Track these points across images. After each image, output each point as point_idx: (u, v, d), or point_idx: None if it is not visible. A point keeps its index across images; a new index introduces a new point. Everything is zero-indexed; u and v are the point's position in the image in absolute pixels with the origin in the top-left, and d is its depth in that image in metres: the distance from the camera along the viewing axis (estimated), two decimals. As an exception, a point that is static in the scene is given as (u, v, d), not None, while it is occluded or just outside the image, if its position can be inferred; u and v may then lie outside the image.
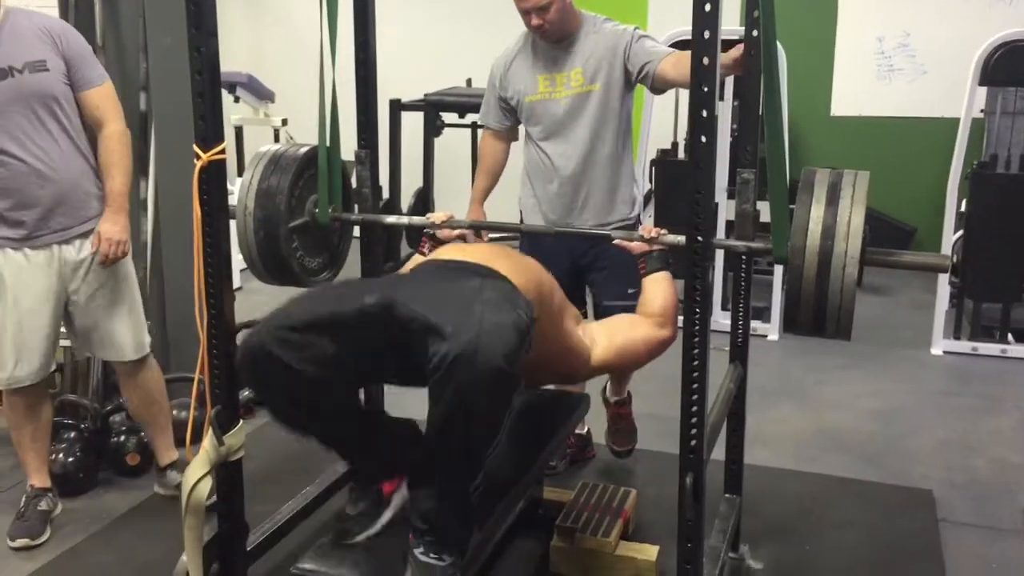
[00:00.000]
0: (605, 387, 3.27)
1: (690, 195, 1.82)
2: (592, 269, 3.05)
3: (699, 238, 1.84)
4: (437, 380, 1.74)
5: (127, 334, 2.95)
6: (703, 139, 1.78)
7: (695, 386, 1.89)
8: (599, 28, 2.91)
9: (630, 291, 2.66)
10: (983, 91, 4.65)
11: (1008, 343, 4.69)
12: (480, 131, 3.35)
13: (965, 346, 4.70)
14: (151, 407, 3.10)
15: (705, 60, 1.75)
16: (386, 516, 2.09)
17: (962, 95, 4.53)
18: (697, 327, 1.86)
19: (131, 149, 2.91)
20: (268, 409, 2.03)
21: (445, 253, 2.31)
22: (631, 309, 2.51)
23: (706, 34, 1.74)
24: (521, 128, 3.10)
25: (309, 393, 1.91)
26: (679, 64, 2.74)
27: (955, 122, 4.59)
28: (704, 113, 1.77)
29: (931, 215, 5.76)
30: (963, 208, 4.82)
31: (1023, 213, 4.54)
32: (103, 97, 2.82)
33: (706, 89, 1.76)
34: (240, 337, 2.09)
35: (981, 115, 5.05)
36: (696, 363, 1.88)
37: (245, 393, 2.44)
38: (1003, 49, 4.35)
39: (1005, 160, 4.68)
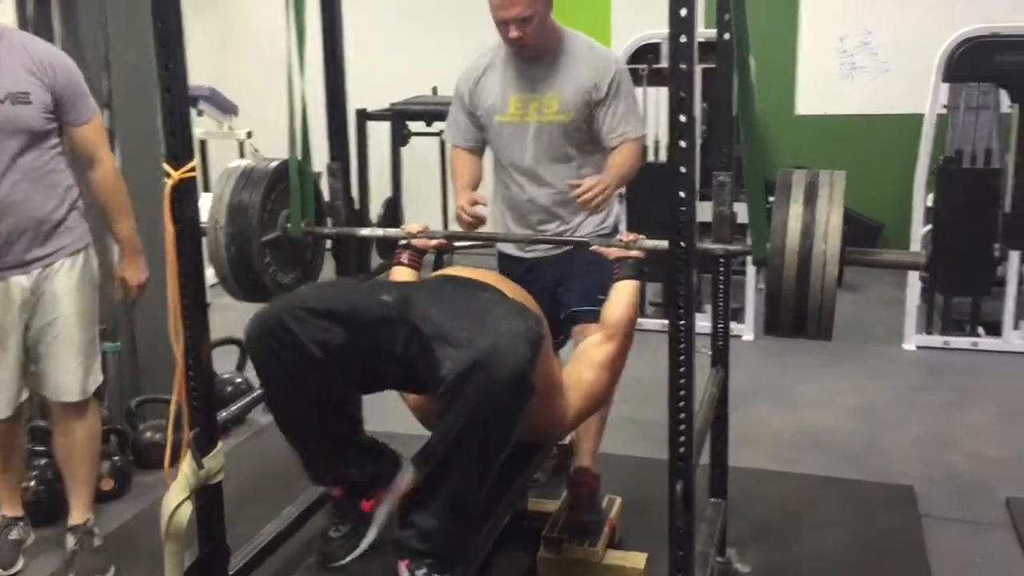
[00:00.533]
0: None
1: (672, 200, 1.80)
2: (563, 281, 2.87)
3: (682, 243, 1.82)
4: (452, 387, 1.76)
5: (72, 374, 2.75)
6: (683, 144, 1.77)
7: (682, 392, 1.87)
8: (582, 55, 2.67)
9: (600, 297, 2.54)
10: (946, 87, 4.69)
11: (979, 336, 4.74)
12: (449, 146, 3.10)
13: (937, 340, 4.75)
14: (81, 457, 2.84)
15: (683, 65, 1.74)
16: (371, 535, 2.05)
17: (924, 92, 4.58)
18: (682, 333, 1.84)
19: (124, 184, 2.86)
20: (265, 391, 2.06)
21: (452, 270, 2.32)
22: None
23: (682, 38, 1.73)
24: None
25: (310, 378, 1.92)
26: (621, 158, 2.69)
27: (918, 118, 4.64)
28: (683, 118, 1.75)
29: (897, 211, 5.81)
30: (930, 203, 4.86)
31: (990, 207, 4.58)
32: (92, 132, 2.74)
33: (684, 94, 1.75)
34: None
35: (944, 111, 5.11)
36: (682, 369, 1.86)
37: (223, 415, 2.40)
38: (966, 45, 4.40)
39: (971, 155, 4.73)
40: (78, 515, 2.87)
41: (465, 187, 2.81)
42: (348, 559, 2.02)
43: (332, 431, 2.03)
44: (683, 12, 1.72)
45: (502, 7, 2.55)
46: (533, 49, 2.64)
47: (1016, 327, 4.67)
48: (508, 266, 2.90)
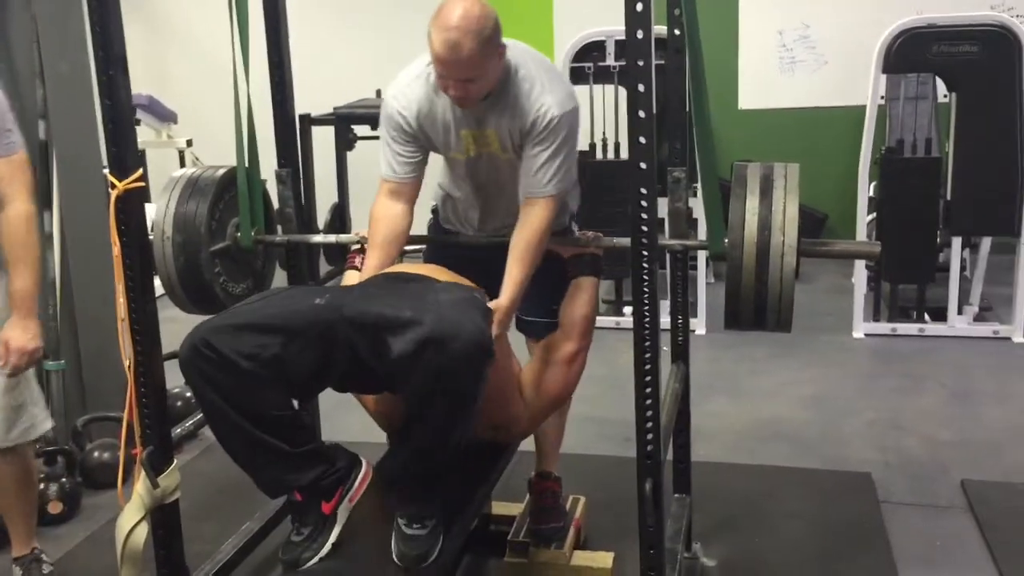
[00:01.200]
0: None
1: (633, 197, 1.79)
2: None
3: (644, 240, 1.81)
4: (407, 367, 1.78)
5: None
6: (642, 140, 1.75)
7: (648, 390, 1.86)
8: (519, 100, 2.23)
9: (554, 307, 2.49)
10: (885, 78, 4.77)
11: (925, 322, 4.83)
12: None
13: (885, 328, 4.82)
14: (14, 496, 2.68)
15: (640, 61, 1.72)
16: (334, 534, 2.06)
17: (863, 83, 4.65)
18: (647, 331, 1.83)
19: (39, 235, 2.58)
20: (204, 412, 2.01)
21: (388, 269, 2.28)
22: (554, 326, 2.47)
23: (639, 34, 1.72)
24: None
25: (244, 393, 1.91)
26: (517, 252, 2.23)
27: (857, 110, 4.73)
28: (642, 114, 1.74)
29: (841, 201, 5.90)
30: (872, 193, 4.94)
31: (931, 195, 4.67)
32: (11, 169, 2.43)
33: (643, 89, 1.73)
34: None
35: (882, 102, 5.19)
36: (648, 367, 1.85)
37: (177, 431, 2.32)
38: (904, 36, 4.47)
39: (911, 144, 4.81)
40: (19, 547, 2.75)
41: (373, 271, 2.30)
42: (314, 560, 2.01)
43: (277, 445, 1.98)
44: (639, 7, 1.71)
45: (443, 63, 2.10)
46: (473, 104, 2.22)
47: (960, 312, 4.76)
48: (452, 248, 2.58)
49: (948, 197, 4.68)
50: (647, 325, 1.83)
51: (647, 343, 1.83)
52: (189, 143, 6.02)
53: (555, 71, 2.35)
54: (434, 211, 2.66)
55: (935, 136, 4.92)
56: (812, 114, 6.43)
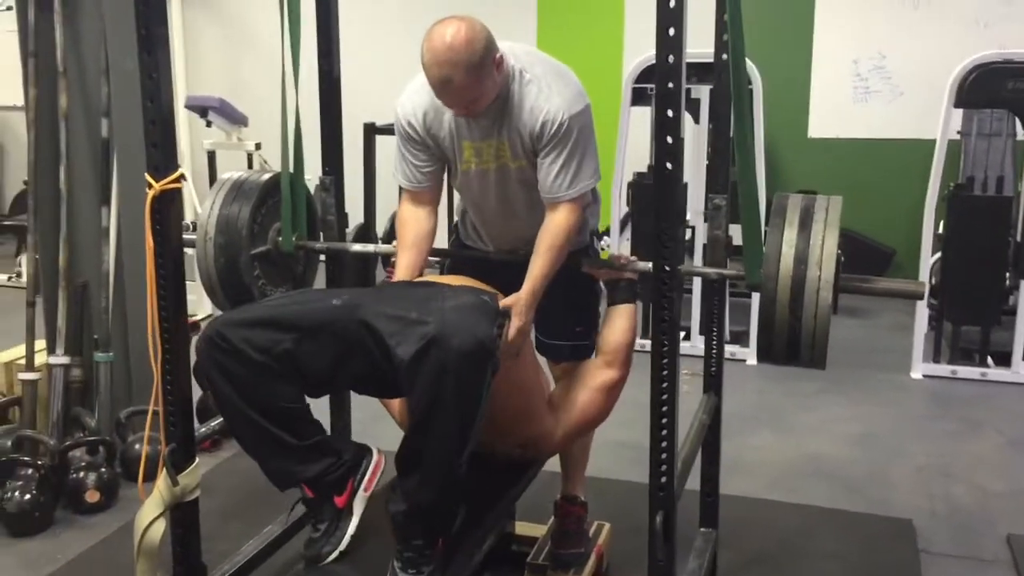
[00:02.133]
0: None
1: (657, 222, 1.76)
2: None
3: (666, 267, 1.77)
4: (410, 368, 1.81)
5: None
6: (668, 166, 1.72)
7: (664, 420, 1.83)
8: (527, 104, 2.22)
9: (578, 329, 2.50)
10: (959, 113, 4.63)
11: (988, 366, 4.66)
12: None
13: (945, 369, 4.66)
14: None
15: (670, 84, 1.70)
16: (352, 526, 2.10)
17: (938, 117, 4.51)
18: (665, 360, 1.80)
19: None
20: (216, 402, 2.07)
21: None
22: (580, 349, 2.44)
23: (670, 59, 1.69)
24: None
25: (257, 384, 1.97)
26: (543, 248, 2.24)
27: (932, 143, 4.57)
28: (669, 139, 1.71)
29: (910, 237, 5.73)
30: (940, 230, 4.79)
31: (1000, 235, 4.51)
32: None
33: (671, 114, 1.70)
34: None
35: (958, 136, 5.04)
36: (664, 396, 1.82)
37: (202, 431, 2.35)
38: (978, 71, 4.33)
39: (982, 182, 4.67)
40: None
41: (407, 271, 2.34)
42: (334, 555, 2.07)
43: (283, 437, 2.04)
44: (671, 31, 1.68)
45: (439, 93, 2.14)
46: (479, 112, 2.22)
47: (1026, 358, 4.57)
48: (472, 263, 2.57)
49: (1019, 238, 4.52)
50: (666, 353, 1.80)
51: (664, 371, 1.80)
52: (258, 146, 6.11)
53: (563, 71, 2.29)
54: (455, 229, 2.67)
55: (1009, 174, 4.76)
56: (885, 146, 6.27)
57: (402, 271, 2.32)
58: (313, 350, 1.98)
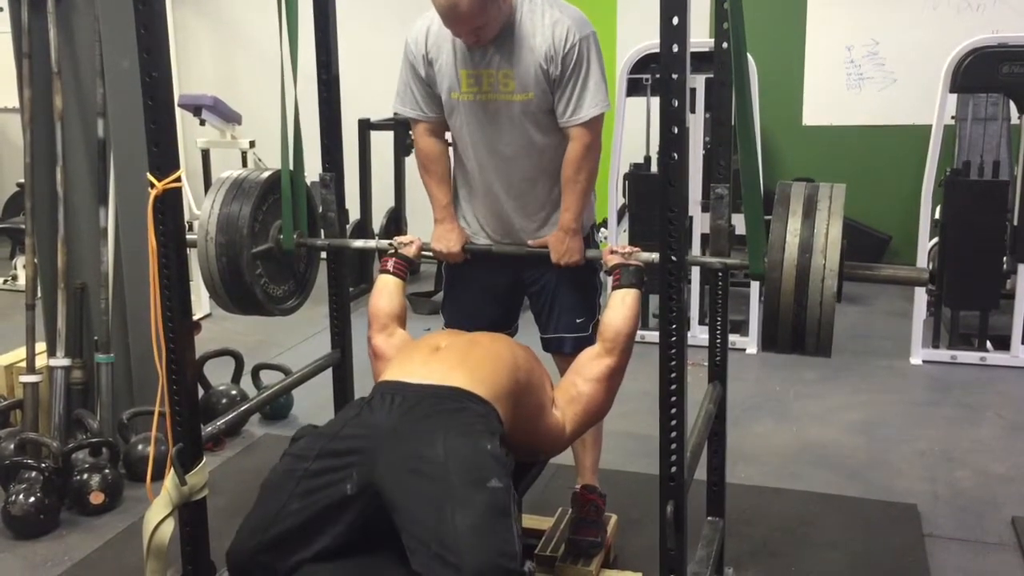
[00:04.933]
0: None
1: (662, 213, 1.76)
2: (539, 293, 2.62)
3: (673, 257, 1.77)
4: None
5: None
6: (674, 156, 1.72)
7: (673, 411, 1.83)
8: (537, 24, 2.33)
9: (578, 320, 2.51)
10: (953, 97, 4.63)
11: (987, 351, 4.67)
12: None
13: (944, 355, 4.67)
14: None
15: (674, 75, 1.69)
16: None
17: (932, 102, 4.51)
18: (674, 350, 1.80)
19: None
20: None
21: (410, 363, 2.13)
22: (581, 341, 2.43)
23: (674, 48, 1.68)
24: None
25: None
26: (571, 168, 2.41)
27: (926, 129, 4.58)
28: (675, 130, 1.71)
29: (906, 223, 5.74)
30: (937, 215, 4.80)
31: (998, 219, 4.52)
32: None
33: (676, 104, 1.70)
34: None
35: (952, 122, 5.04)
36: (673, 387, 1.82)
37: (208, 429, 2.34)
38: (973, 56, 4.33)
39: (978, 166, 4.66)
40: None
41: (445, 210, 2.56)
42: None
43: None
44: (675, 21, 1.68)
45: (446, 19, 2.25)
46: (487, 41, 2.33)
47: (1024, 342, 4.59)
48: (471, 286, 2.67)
49: (1016, 222, 4.53)
50: (673, 343, 1.79)
51: (672, 362, 1.80)
52: (252, 144, 6.10)
53: (564, 3, 2.42)
54: None
55: (1005, 158, 4.76)
56: (879, 132, 6.28)
57: (440, 208, 2.55)
58: (332, 535, 1.82)
